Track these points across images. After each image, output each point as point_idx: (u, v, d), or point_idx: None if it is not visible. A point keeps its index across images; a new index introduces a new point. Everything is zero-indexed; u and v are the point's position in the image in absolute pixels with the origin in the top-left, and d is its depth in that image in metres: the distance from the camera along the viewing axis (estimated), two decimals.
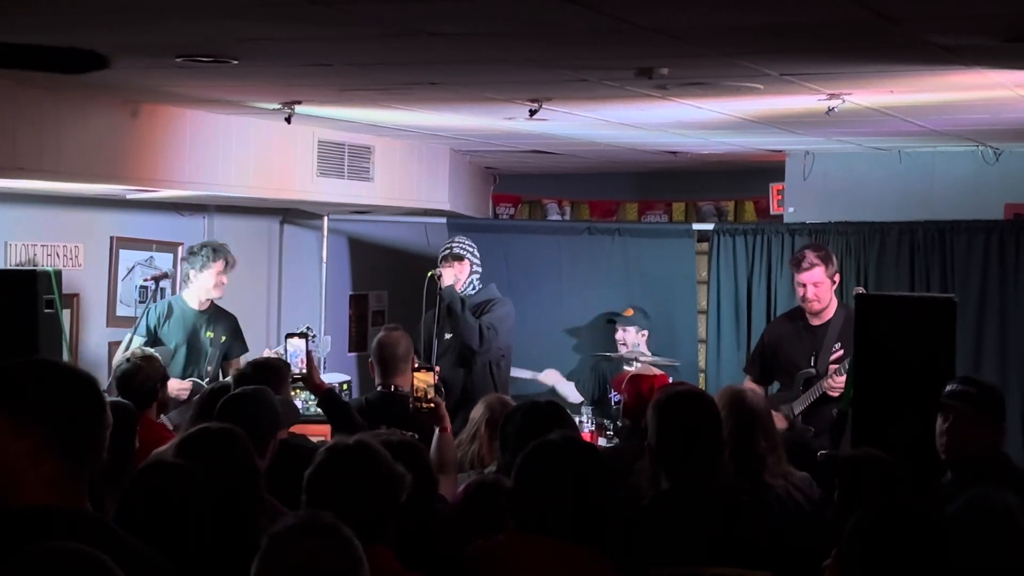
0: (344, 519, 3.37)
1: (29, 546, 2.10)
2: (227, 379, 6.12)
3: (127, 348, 7.48)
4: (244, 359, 7.72)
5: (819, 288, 7.35)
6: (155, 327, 7.64)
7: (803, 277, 7.38)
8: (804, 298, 7.39)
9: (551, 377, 8.92)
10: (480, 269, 7.81)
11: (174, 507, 3.33)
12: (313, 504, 3.46)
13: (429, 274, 7.58)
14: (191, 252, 7.86)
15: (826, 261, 7.42)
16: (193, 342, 7.67)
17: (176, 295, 7.95)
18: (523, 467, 3.59)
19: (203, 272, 7.75)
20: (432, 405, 5.36)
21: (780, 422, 6.92)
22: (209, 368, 7.66)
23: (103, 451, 2.62)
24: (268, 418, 4.59)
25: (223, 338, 7.79)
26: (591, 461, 3.60)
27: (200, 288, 7.78)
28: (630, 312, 8.76)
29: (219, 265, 7.77)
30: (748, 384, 7.52)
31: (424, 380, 5.40)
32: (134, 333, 7.65)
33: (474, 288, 7.75)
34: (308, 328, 7.67)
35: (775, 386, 7.65)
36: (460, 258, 7.70)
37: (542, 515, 3.48)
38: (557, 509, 3.47)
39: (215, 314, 7.86)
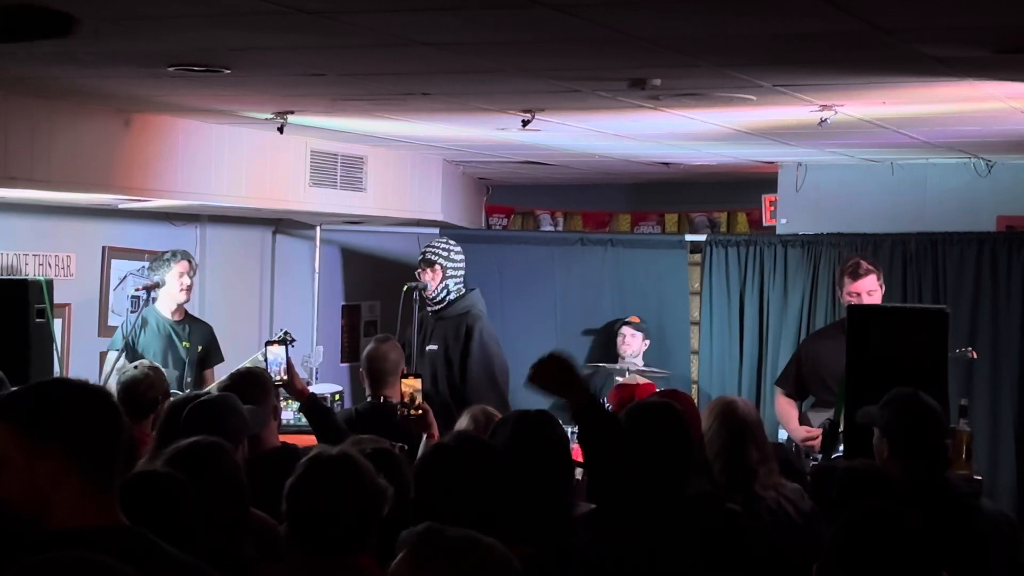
0: (325, 529, 3.36)
1: (36, 556, 2.10)
2: (196, 391, 6.07)
3: (112, 366, 7.46)
4: (219, 369, 7.67)
5: (873, 297, 7.02)
6: (132, 340, 7.58)
7: (858, 285, 7.04)
8: None
9: None
10: (459, 273, 7.68)
11: (163, 518, 3.31)
12: (294, 514, 3.44)
13: (405, 287, 7.55)
14: (153, 261, 7.82)
15: (878, 268, 7.17)
16: (171, 353, 7.62)
17: (149, 306, 7.90)
18: (417, 472, 3.59)
19: (167, 277, 7.67)
20: (420, 412, 5.35)
21: (816, 438, 6.84)
22: (188, 380, 7.60)
23: (126, 464, 2.63)
24: (234, 424, 4.58)
25: (199, 347, 7.73)
26: (486, 460, 3.60)
27: (167, 294, 7.72)
28: (637, 319, 8.76)
29: (181, 266, 7.69)
30: (779, 397, 7.43)
31: (412, 386, 5.40)
32: (110, 348, 7.62)
33: (448, 292, 7.64)
34: (286, 333, 7.64)
35: (805, 402, 7.55)
36: (431, 263, 7.62)
37: (439, 516, 3.49)
38: (453, 509, 3.48)
39: (191, 323, 7.80)
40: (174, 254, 7.75)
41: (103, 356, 8.16)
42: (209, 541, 3.35)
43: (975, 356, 6.31)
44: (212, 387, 7.37)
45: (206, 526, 3.35)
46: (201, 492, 3.41)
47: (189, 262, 7.75)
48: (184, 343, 7.67)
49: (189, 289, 7.76)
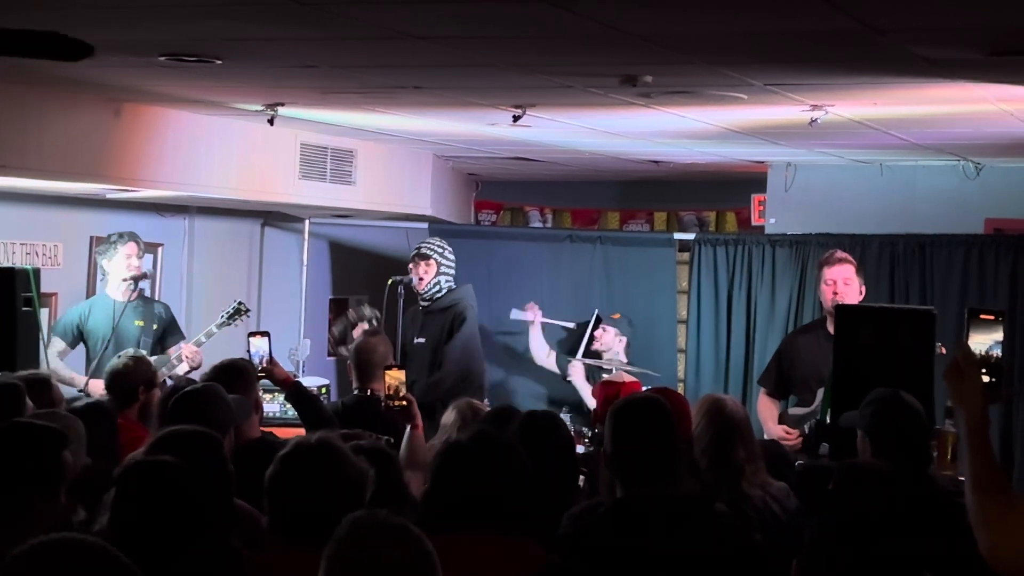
0: (307, 517, 3.35)
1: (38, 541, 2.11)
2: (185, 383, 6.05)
3: (52, 354, 7.41)
4: (180, 346, 7.62)
5: (850, 286, 6.98)
6: (78, 325, 7.53)
7: (832, 272, 7.02)
8: (835, 294, 6.94)
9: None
10: (451, 271, 7.73)
11: (165, 505, 3.30)
12: (276, 504, 3.43)
13: (390, 281, 7.56)
14: (99, 244, 7.80)
15: (855, 263, 7.16)
16: (120, 333, 7.51)
17: (98, 293, 7.87)
18: (436, 468, 3.59)
19: (114, 259, 7.60)
20: (404, 403, 5.37)
21: (793, 439, 6.85)
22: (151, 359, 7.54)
23: None
24: (221, 414, 4.59)
25: (154, 326, 7.65)
26: (503, 456, 3.60)
27: (115, 276, 7.63)
28: (617, 316, 8.75)
29: (128, 248, 7.61)
30: (761, 397, 7.43)
31: (396, 378, 5.42)
32: (51, 334, 7.57)
33: (440, 289, 7.68)
34: (240, 303, 7.59)
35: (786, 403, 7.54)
36: (426, 257, 7.66)
37: (459, 512, 3.48)
38: (475, 504, 3.48)
39: (144, 304, 7.72)
40: (120, 236, 7.67)
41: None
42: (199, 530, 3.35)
43: (943, 352, 6.34)
44: (182, 367, 7.36)
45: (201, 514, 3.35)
46: (199, 478, 3.41)
47: (136, 243, 7.67)
48: (137, 321, 7.60)
49: (137, 270, 7.64)
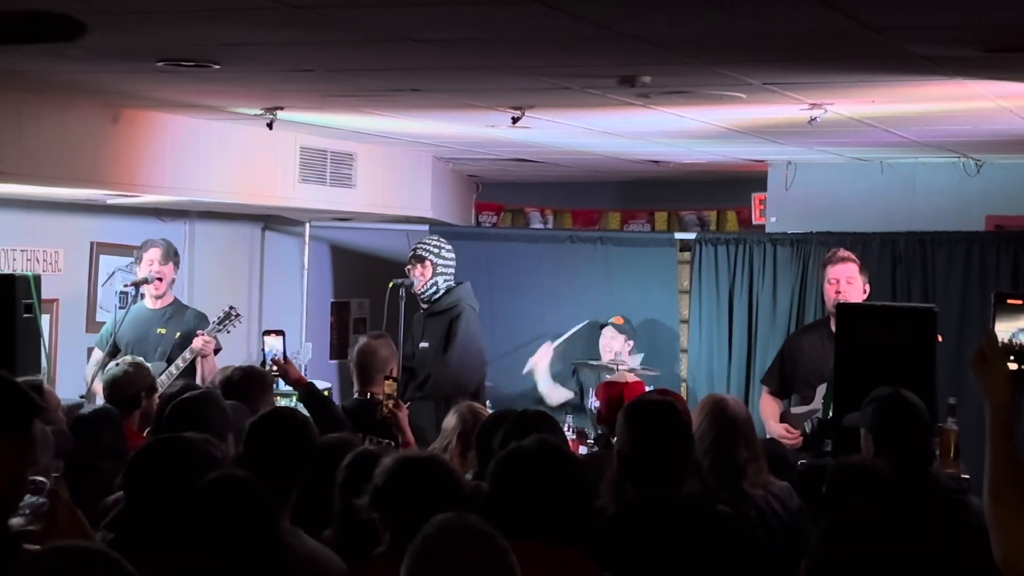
0: (412, 530, 3.36)
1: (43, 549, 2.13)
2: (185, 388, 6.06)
3: (93, 362, 7.44)
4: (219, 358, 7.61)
5: (853, 285, 7.01)
6: (111, 333, 7.56)
7: (835, 271, 7.05)
8: (837, 292, 6.97)
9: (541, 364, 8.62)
10: (449, 270, 7.68)
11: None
12: (382, 514, 3.45)
13: (391, 284, 7.56)
14: (134, 252, 7.83)
15: (860, 261, 7.17)
16: (142, 340, 7.52)
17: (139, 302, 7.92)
18: (498, 473, 3.58)
19: (140, 266, 7.64)
20: (390, 415, 5.34)
21: (794, 438, 6.84)
22: (164, 364, 7.53)
23: None
24: (216, 420, 4.59)
25: (178, 334, 7.59)
26: (566, 465, 3.59)
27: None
28: (620, 320, 8.72)
29: (149, 254, 7.63)
30: (764, 395, 7.43)
31: (385, 392, 5.40)
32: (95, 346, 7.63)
33: (438, 290, 7.64)
34: (231, 308, 7.55)
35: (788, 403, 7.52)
36: (421, 259, 7.63)
37: (520, 519, 3.48)
38: (535, 512, 3.47)
39: (175, 311, 7.71)
40: (143, 244, 7.71)
41: (91, 351, 8.15)
42: None
43: (939, 340, 6.33)
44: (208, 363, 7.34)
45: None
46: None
47: (160, 248, 7.66)
48: (160, 329, 7.60)
49: (159, 277, 7.64)
